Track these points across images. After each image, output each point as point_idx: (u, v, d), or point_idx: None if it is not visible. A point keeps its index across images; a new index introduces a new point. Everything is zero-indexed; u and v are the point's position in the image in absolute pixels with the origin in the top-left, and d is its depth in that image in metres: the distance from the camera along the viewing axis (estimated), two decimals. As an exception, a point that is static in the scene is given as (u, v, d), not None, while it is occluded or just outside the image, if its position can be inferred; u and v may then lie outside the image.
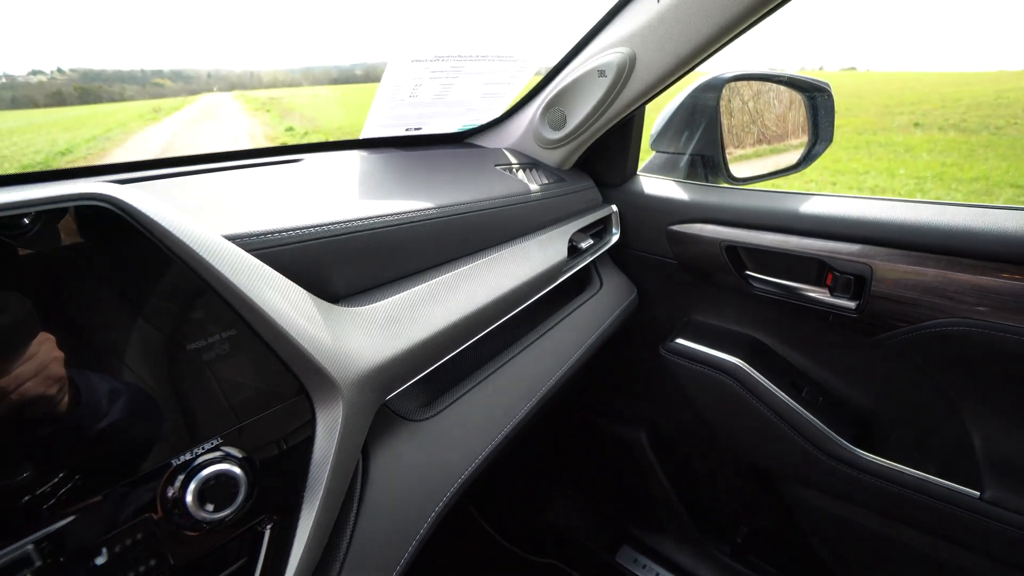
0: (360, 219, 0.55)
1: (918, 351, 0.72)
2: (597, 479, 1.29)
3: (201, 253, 0.38)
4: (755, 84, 1.06)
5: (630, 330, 1.01)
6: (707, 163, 1.07)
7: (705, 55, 0.71)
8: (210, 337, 0.40)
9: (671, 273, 0.97)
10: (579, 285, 0.94)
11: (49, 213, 0.33)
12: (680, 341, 0.94)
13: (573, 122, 0.86)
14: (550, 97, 0.86)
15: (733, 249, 0.85)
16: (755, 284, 0.85)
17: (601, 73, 0.79)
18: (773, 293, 0.84)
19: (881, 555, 0.86)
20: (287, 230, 0.49)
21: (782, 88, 1.08)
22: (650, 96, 0.81)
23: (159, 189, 0.52)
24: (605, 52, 0.78)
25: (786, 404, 0.83)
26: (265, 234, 0.47)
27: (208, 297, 0.39)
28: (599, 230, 0.96)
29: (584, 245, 0.90)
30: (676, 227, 0.91)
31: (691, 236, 0.89)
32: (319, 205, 0.55)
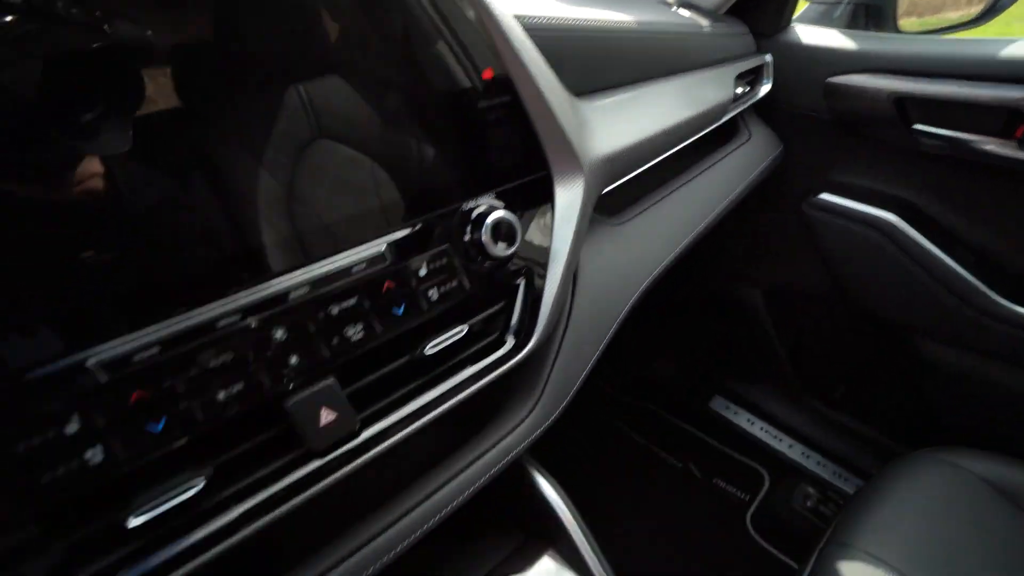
0: (578, 20, 0.57)
1: None
2: (701, 337, 1.36)
3: (499, 19, 0.42)
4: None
5: (767, 187, 1.01)
6: (871, 13, 0.99)
7: None
8: (492, 99, 0.45)
9: (818, 129, 0.94)
10: (725, 135, 0.94)
11: None
12: (826, 197, 0.94)
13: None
14: None
15: (901, 101, 0.82)
16: (925, 139, 0.82)
17: None
18: (944, 148, 0.81)
19: (1010, 410, 0.90)
20: (536, 17, 0.52)
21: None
22: None
23: None
24: None
25: (941, 261, 0.83)
26: (523, 17, 0.50)
27: (494, 59, 0.43)
28: (750, 80, 0.94)
29: (739, 91, 0.89)
30: (836, 79, 0.88)
31: (854, 88, 0.86)
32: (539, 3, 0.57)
